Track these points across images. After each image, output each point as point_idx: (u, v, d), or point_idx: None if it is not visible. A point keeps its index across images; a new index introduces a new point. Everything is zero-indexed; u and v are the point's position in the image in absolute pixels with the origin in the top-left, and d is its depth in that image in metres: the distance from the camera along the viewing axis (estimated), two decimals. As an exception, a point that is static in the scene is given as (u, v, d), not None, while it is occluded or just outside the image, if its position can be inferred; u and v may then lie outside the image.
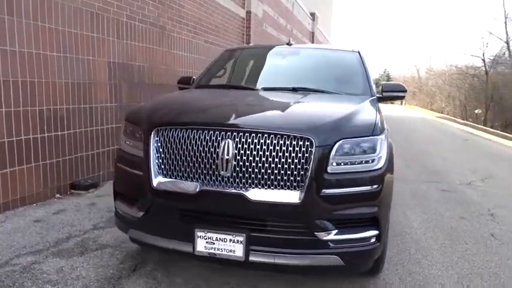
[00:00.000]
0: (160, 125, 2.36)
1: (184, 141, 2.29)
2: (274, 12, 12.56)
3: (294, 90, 3.25)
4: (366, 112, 2.54)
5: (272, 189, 2.18)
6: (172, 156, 2.31)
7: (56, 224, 3.57)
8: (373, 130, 2.31)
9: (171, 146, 2.32)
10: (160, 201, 2.35)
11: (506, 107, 19.99)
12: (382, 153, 2.30)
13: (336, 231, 2.19)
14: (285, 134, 2.17)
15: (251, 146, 2.18)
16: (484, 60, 21.82)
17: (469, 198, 5.09)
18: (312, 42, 19.68)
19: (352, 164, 2.22)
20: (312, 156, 2.14)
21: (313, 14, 19.69)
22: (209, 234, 2.22)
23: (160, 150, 2.34)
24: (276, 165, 2.16)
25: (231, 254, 2.20)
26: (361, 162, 2.24)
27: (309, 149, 2.15)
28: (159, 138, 2.35)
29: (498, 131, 14.97)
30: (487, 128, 16.41)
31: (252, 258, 2.18)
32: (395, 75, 56.94)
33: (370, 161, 2.26)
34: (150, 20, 5.91)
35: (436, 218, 4.22)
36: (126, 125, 2.66)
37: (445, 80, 29.13)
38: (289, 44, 3.98)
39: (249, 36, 9.96)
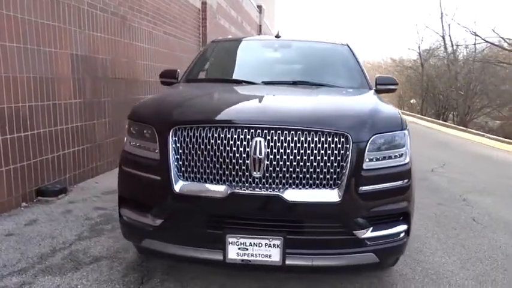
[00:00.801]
0: (180, 124, 2.15)
1: (209, 140, 2.10)
2: (226, 3, 12.32)
3: (294, 84, 3.16)
4: (386, 106, 2.52)
5: (309, 188, 2.08)
6: (195, 157, 2.12)
7: (32, 237, 3.18)
8: (401, 124, 2.30)
9: (193, 146, 2.12)
10: (183, 207, 2.15)
11: (438, 97, 21.52)
12: (408, 148, 2.29)
13: (372, 228, 2.15)
14: (320, 131, 2.08)
15: (284, 144, 2.06)
16: (419, 54, 23.29)
17: (438, 185, 5.36)
18: (260, 33, 19.66)
19: (384, 159, 2.19)
20: (349, 153, 2.07)
21: (260, 7, 19.64)
22: (242, 240, 2.07)
23: (180, 151, 2.14)
24: (312, 163, 2.06)
25: (266, 259, 2.07)
26: (392, 157, 2.22)
27: (345, 145, 2.08)
28: (178, 138, 2.14)
29: (440, 121, 16.05)
30: (427, 117, 17.54)
31: (288, 262, 2.08)
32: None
33: (399, 156, 2.24)
34: (111, 9, 5.48)
35: (417, 205, 4.36)
36: (130, 124, 2.40)
37: (382, 72, 30.71)
38: (277, 36, 3.87)
39: (205, 28, 9.67)
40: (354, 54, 3.69)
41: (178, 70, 3.62)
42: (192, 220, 2.16)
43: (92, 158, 5.10)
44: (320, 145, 2.07)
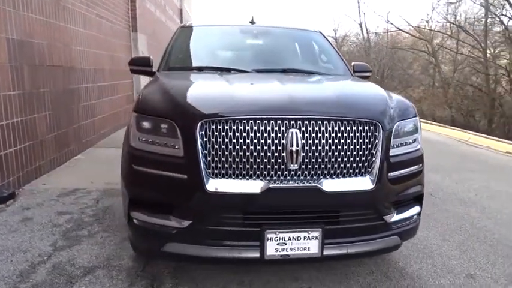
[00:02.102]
0: (209, 117, 1.99)
1: (241, 134, 1.98)
2: (151, -14, 11.65)
3: (285, 71, 3.12)
4: (395, 94, 2.60)
5: (343, 178, 2.08)
6: (226, 152, 1.99)
7: (-2, 253, 2.74)
8: (415, 111, 2.40)
9: (223, 141, 1.98)
10: (216, 206, 2.02)
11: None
12: (420, 134, 2.41)
13: (396, 212, 2.24)
14: (351, 120, 2.08)
15: (319, 135, 2.03)
16: (336, 39, 24.50)
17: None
18: (181, 19, 19.01)
19: (405, 145, 2.27)
20: (378, 140, 2.12)
21: (179, -10, 18.94)
22: (281, 235, 2.01)
23: (209, 146, 1.99)
24: (346, 152, 2.07)
25: (305, 252, 2.05)
26: (410, 143, 2.32)
27: (374, 133, 2.12)
28: (206, 133, 1.99)
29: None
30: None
31: (326, 252, 2.07)
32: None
33: (414, 141, 2.35)
34: (45, -13, 4.84)
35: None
36: (140, 119, 2.16)
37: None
38: (252, 22, 3.76)
39: (134, 12, 9.05)
40: (329, 41, 3.75)
41: (151, 57, 3.35)
42: (225, 219, 2.04)
43: (34, 157, 4.52)
44: (352, 134, 2.08)
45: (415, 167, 2.32)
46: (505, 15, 10.39)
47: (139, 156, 2.13)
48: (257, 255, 2.03)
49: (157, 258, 2.58)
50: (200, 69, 3.09)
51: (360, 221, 2.14)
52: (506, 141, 8.09)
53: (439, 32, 13.85)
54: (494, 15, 11.44)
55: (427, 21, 14.78)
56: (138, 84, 9.41)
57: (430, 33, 13.84)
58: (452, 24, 13.49)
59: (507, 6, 10.38)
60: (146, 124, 2.13)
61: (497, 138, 8.31)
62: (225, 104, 2.11)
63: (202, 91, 2.41)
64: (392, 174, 2.16)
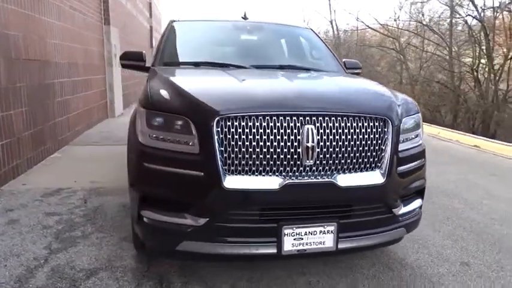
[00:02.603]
0: (226, 114, 1.97)
1: (257, 130, 1.98)
2: (121, -22, 11.30)
3: (282, 68, 3.13)
4: (396, 91, 2.66)
5: (356, 173, 2.12)
6: (242, 149, 1.97)
7: (-11, 258, 2.60)
8: (417, 108, 2.48)
9: (240, 137, 1.97)
10: (233, 203, 2.00)
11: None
12: (422, 129, 2.49)
13: (402, 204, 2.30)
14: (363, 116, 2.12)
15: (333, 131, 2.06)
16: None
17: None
18: (150, 12, 18.58)
19: (409, 140, 2.34)
20: (389, 136, 2.17)
21: (147, -17, 18.46)
22: (297, 230, 2.03)
23: (225, 143, 1.97)
24: (358, 148, 2.11)
25: (321, 246, 2.08)
26: (414, 138, 2.39)
27: (384, 129, 2.17)
28: (222, 129, 1.97)
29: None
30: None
31: (340, 245, 2.11)
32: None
33: (416, 136, 2.43)
34: (19, -23, 4.59)
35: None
36: (150, 115, 2.10)
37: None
38: (245, 17, 3.73)
39: (107, 4, 8.76)
40: (320, 38, 3.79)
41: (143, 51, 3.27)
42: (242, 216, 2.03)
43: (12, 156, 4.30)
44: (364, 130, 2.12)
45: (419, 161, 2.40)
46: (470, 15, 10.93)
47: (151, 154, 2.08)
48: (274, 251, 2.04)
49: (170, 257, 2.54)
50: (197, 65, 3.04)
51: (371, 215, 2.19)
52: (472, 135, 8.50)
53: (406, 30, 14.33)
54: (458, 15, 11.99)
55: (395, 20, 15.26)
56: (111, 79, 9.14)
57: (397, 31, 14.29)
58: (418, 23, 13.99)
59: (471, 5, 10.93)
60: (158, 121, 2.08)
61: (464, 133, 8.71)
62: (241, 101, 2.10)
63: (216, 87, 2.37)
64: (401, 168, 2.23)
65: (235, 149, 1.97)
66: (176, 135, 2.03)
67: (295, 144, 2.00)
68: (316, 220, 2.06)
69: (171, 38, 3.35)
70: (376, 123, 2.15)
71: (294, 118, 2.01)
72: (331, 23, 20.76)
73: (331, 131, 2.05)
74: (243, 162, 1.99)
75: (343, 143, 2.07)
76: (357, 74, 3.67)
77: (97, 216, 3.36)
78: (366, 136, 2.12)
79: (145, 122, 2.11)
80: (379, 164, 2.17)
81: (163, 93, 2.22)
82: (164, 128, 2.06)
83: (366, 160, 2.14)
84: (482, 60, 11.30)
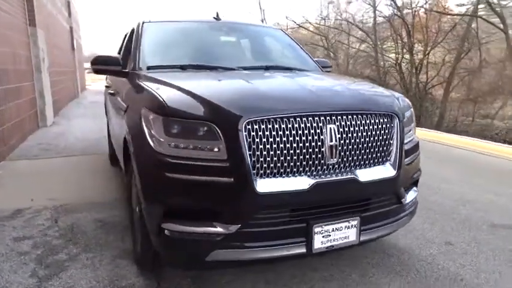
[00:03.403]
0: (254, 117, 1.94)
1: (284, 132, 1.98)
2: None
3: (267, 68, 3.14)
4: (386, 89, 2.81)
5: (371, 167, 2.22)
6: (270, 152, 1.96)
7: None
8: (410, 103, 2.65)
9: (267, 140, 1.96)
10: (266, 207, 1.98)
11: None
12: (414, 123, 2.67)
13: (407, 194, 2.46)
14: (374, 113, 2.23)
15: (351, 129, 2.13)
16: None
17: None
18: (69, 12, 17.33)
19: (408, 133, 2.50)
20: (397, 131, 2.30)
21: (64, -19, 17.17)
22: (326, 228, 2.07)
23: (253, 147, 1.94)
24: (372, 143, 2.21)
25: (346, 240, 2.14)
26: (411, 131, 2.55)
27: (391, 124, 2.30)
28: (249, 133, 1.94)
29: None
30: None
31: (362, 238, 2.20)
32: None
33: (412, 130, 2.60)
34: None
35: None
36: (169, 123, 1.98)
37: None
38: (217, 18, 3.66)
39: (31, 3, 8.01)
40: (292, 38, 3.86)
41: (118, 56, 3.08)
42: (273, 219, 2.01)
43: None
44: (376, 126, 2.22)
45: (417, 153, 2.57)
46: (396, 14, 11.87)
47: (172, 163, 1.97)
48: (304, 250, 2.06)
49: (190, 269, 2.45)
50: (184, 68, 2.93)
51: (385, 206, 2.31)
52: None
53: (334, 28, 15.07)
54: (381, 14, 12.95)
55: (323, 19, 15.97)
56: (40, 86, 8.40)
57: (326, 29, 14.99)
58: (344, 21, 14.84)
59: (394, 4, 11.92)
60: (179, 128, 1.98)
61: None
62: (266, 103, 2.07)
63: (235, 91, 2.30)
64: (406, 160, 2.37)
65: (264, 152, 1.96)
66: (200, 142, 1.96)
67: (319, 143, 2.04)
68: (342, 216, 2.12)
69: (148, 41, 3.17)
70: (386, 119, 2.27)
71: (316, 118, 2.05)
72: (262, 22, 21.10)
73: (349, 129, 2.12)
74: (271, 164, 1.97)
75: (360, 139, 2.16)
76: (328, 72, 3.81)
77: (76, 235, 3.09)
78: (378, 132, 2.23)
79: (163, 130, 2.00)
80: (389, 158, 2.29)
81: (180, 98, 2.11)
82: (186, 135, 1.97)
83: (378, 155, 2.24)
84: (407, 56, 12.34)
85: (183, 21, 3.61)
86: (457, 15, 12.11)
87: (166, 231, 2.02)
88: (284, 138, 1.98)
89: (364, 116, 2.19)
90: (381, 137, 2.24)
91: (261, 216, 1.99)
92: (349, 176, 2.11)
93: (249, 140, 1.93)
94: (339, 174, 2.10)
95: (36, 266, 2.62)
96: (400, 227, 2.49)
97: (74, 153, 6.08)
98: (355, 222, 2.14)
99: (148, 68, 2.92)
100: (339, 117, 2.10)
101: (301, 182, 2.00)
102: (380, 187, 2.24)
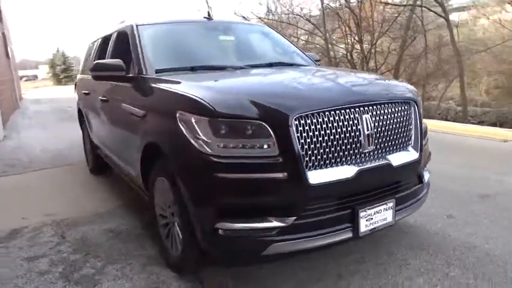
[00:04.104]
0: (302, 112, 2.02)
1: (327, 125, 2.08)
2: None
3: (271, 65, 3.22)
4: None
5: (398, 152, 2.38)
6: (317, 144, 2.05)
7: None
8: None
9: (314, 133, 2.05)
10: (318, 198, 2.07)
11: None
12: None
13: (424, 174, 2.66)
14: (398, 101, 2.39)
15: (382, 117, 2.28)
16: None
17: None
18: (0, 16, 16.10)
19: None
20: (415, 116, 2.48)
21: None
22: (369, 212, 2.21)
23: (301, 141, 2.02)
24: (398, 129, 2.37)
25: (384, 222, 2.29)
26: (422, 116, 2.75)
27: (410, 110, 2.47)
28: (297, 128, 2.01)
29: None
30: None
31: (396, 218, 2.36)
32: (77, 55, 53.81)
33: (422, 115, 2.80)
34: None
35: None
36: (217, 123, 2.00)
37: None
38: (209, 18, 3.64)
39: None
40: (282, 35, 3.95)
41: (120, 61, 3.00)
42: (324, 208, 2.11)
43: None
44: (400, 113, 2.39)
45: (427, 136, 2.78)
46: (346, 6, 12.37)
47: (223, 163, 2.00)
48: (350, 235, 2.18)
49: (238, 265, 2.50)
50: (193, 69, 2.92)
51: (411, 187, 2.49)
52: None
53: (281, 22, 15.34)
54: (329, 6, 13.41)
55: (270, 12, 16.13)
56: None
57: (275, 23, 15.22)
58: (291, 14, 15.16)
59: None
60: (227, 128, 2.00)
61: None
62: (309, 99, 2.15)
63: (276, 88, 2.35)
64: (423, 142, 2.57)
65: (311, 145, 2.04)
66: (250, 140, 2.00)
67: (357, 133, 2.17)
68: (381, 199, 2.27)
69: (149, 44, 3.09)
70: (406, 106, 2.44)
71: (352, 110, 2.17)
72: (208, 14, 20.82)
73: (380, 117, 2.27)
74: (318, 157, 2.07)
75: (389, 126, 2.31)
76: (319, 65, 3.95)
77: (92, 248, 2.99)
78: (402, 118, 2.40)
79: (211, 132, 2.01)
80: (410, 142, 2.47)
81: (223, 99, 2.13)
82: (236, 134, 2.00)
83: (403, 140, 2.42)
84: (357, 46, 12.90)
85: (177, 22, 3.56)
86: (399, 5, 12.85)
87: (220, 230, 2.05)
88: (328, 131, 2.08)
89: (391, 105, 2.34)
90: (404, 123, 2.41)
91: (313, 207, 2.08)
92: (384, 161, 2.26)
93: (297, 134, 2.01)
94: (376, 161, 2.24)
95: (65, 283, 2.52)
96: (421, 206, 2.68)
97: (44, 166, 5.75)
98: (391, 204, 2.30)
99: (157, 71, 2.87)
100: (372, 107, 2.24)
101: (347, 171, 2.12)
102: (408, 169, 2.41)
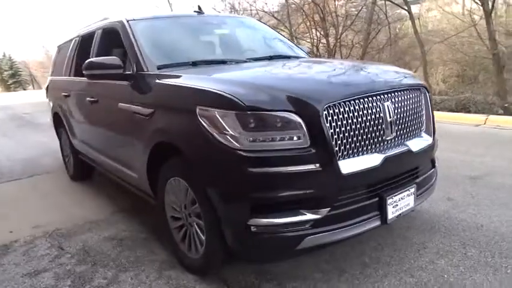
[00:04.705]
0: (329, 103, 1.99)
1: (353, 114, 2.07)
2: None
3: (271, 58, 3.18)
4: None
5: (415, 138, 2.42)
6: (345, 133, 2.04)
7: None
8: (418, 78, 2.91)
9: (342, 123, 2.02)
10: (350, 187, 2.05)
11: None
12: None
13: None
14: (412, 88, 2.42)
15: (400, 104, 2.30)
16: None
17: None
18: None
19: (427, 103, 2.75)
20: (427, 102, 2.53)
21: None
22: (395, 198, 2.22)
23: (331, 131, 1.99)
24: (413, 115, 2.40)
25: (407, 207, 2.32)
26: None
27: (422, 96, 2.51)
28: (326, 118, 1.98)
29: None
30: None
31: (416, 203, 2.39)
32: (24, 59, 51.16)
33: None
34: None
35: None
36: (246, 117, 1.92)
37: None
38: (200, 12, 3.53)
39: None
40: (273, 28, 3.91)
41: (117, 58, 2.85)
42: (354, 197, 2.09)
43: None
44: (413, 99, 2.42)
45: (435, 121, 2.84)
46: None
47: (254, 158, 1.93)
48: (378, 222, 2.19)
49: (265, 262, 2.46)
50: (195, 64, 2.81)
51: (427, 171, 2.54)
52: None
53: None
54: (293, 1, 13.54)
55: (233, 9, 16.01)
56: None
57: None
58: (254, 10, 15.18)
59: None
60: (257, 121, 1.93)
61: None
62: (336, 89, 2.13)
63: (301, 79, 2.32)
64: (435, 128, 2.62)
65: (340, 135, 2.02)
66: (280, 132, 1.94)
67: (380, 121, 2.17)
68: (405, 185, 2.29)
69: (145, 40, 2.93)
70: (419, 93, 2.48)
71: (375, 97, 2.17)
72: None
73: (399, 104, 2.29)
74: (347, 146, 2.05)
75: (406, 113, 2.34)
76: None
77: (97, 258, 2.82)
78: (416, 104, 2.43)
79: (239, 126, 1.94)
80: (423, 128, 2.51)
81: (249, 92, 2.04)
82: (264, 127, 1.94)
83: (418, 126, 2.45)
84: (323, 40, 13.09)
85: (170, 17, 3.43)
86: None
87: (252, 227, 1.99)
88: (354, 120, 2.07)
89: (406, 91, 2.36)
90: (418, 109, 2.45)
91: (345, 197, 2.06)
92: (405, 148, 2.28)
93: (327, 124, 1.98)
94: (397, 147, 2.26)
95: (82, 298, 2.36)
96: (434, 190, 2.74)
97: (16, 176, 5.38)
98: (413, 190, 2.32)
99: (159, 67, 2.74)
100: (391, 94, 2.25)
101: (374, 159, 2.12)
102: (424, 155, 2.45)
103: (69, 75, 4.37)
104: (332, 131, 1.99)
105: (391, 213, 2.21)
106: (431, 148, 2.50)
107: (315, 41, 13.32)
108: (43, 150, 6.89)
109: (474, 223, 2.92)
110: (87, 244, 3.04)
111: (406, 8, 10.95)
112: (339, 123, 2.01)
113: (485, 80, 13.99)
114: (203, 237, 2.29)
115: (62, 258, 2.85)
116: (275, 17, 14.13)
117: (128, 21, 3.15)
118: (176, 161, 2.40)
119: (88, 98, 3.54)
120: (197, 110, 2.10)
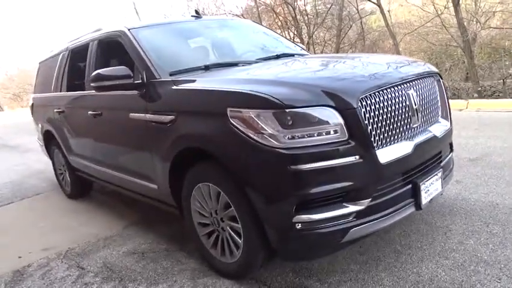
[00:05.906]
0: (363, 94, 2.02)
1: (383, 104, 2.10)
2: None
3: (278, 57, 3.18)
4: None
5: (435, 124, 2.48)
6: (378, 123, 2.07)
7: None
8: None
9: (374, 113, 2.05)
10: (388, 176, 2.08)
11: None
12: None
13: (450, 142, 2.80)
14: (429, 75, 2.49)
15: (422, 91, 2.36)
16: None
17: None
18: None
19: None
20: (443, 88, 2.61)
21: None
22: (426, 184, 2.27)
23: (366, 122, 2.02)
24: (432, 101, 2.47)
25: (436, 192, 2.37)
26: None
27: (438, 83, 2.59)
28: (360, 110, 2.00)
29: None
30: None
31: (443, 187, 2.46)
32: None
33: None
34: None
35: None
36: (283, 115, 1.91)
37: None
38: (198, 16, 3.49)
39: None
40: (270, 28, 3.92)
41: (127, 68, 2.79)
42: (393, 185, 2.13)
43: None
44: (431, 86, 2.49)
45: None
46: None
47: (294, 155, 1.93)
48: (413, 209, 2.23)
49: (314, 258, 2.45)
50: (208, 68, 2.78)
51: (448, 155, 2.62)
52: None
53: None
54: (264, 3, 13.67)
55: (203, 13, 15.95)
56: None
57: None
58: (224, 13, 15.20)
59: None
60: (294, 118, 1.92)
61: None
62: (366, 81, 2.14)
63: (329, 73, 2.33)
64: (451, 112, 2.70)
65: (374, 126, 2.05)
66: (318, 127, 1.95)
67: (407, 109, 2.22)
68: (433, 170, 2.35)
69: (151, 47, 2.87)
70: (434, 80, 2.56)
71: (401, 86, 2.22)
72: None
73: (421, 91, 2.35)
74: (381, 136, 2.08)
75: (427, 99, 2.40)
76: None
77: (123, 273, 2.74)
78: (433, 91, 2.51)
79: (277, 124, 1.93)
80: (440, 113, 2.59)
81: (282, 90, 2.03)
82: (302, 124, 1.94)
83: (437, 111, 2.53)
84: (297, 39, 13.26)
85: (170, 23, 3.38)
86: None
87: (297, 225, 1.98)
88: (385, 109, 2.10)
89: (425, 79, 2.43)
90: (436, 95, 2.52)
91: (384, 186, 2.09)
92: (430, 134, 2.34)
93: (362, 116, 2.00)
94: (423, 134, 2.31)
95: (116, 315, 2.28)
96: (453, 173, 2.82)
97: (7, 201, 5.12)
98: (440, 174, 2.39)
99: (171, 73, 2.70)
100: (414, 82, 2.31)
101: (406, 146, 2.16)
102: (445, 139, 2.53)
103: (60, 91, 4.23)
104: (366, 122, 2.02)
105: (424, 198, 2.26)
106: (450, 132, 2.58)
107: (288, 39, 13.55)
108: (27, 172, 6.62)
109: (489, 202, 3.02)
110: (108, 261, 2.95)
111: (376, 2, 11.24)
112: (372, 114, 2.04)
113: (452, 68, 14.55)
114: (239, 241, 2.27)
115: (86, 278, 2.75)
116: (245, 19, 14.24)
117: (129, 29, 3.09)
118: (205, 166, 2.36)
119: (90, 112, 3.43)
120: (228, 112, 2.08)
